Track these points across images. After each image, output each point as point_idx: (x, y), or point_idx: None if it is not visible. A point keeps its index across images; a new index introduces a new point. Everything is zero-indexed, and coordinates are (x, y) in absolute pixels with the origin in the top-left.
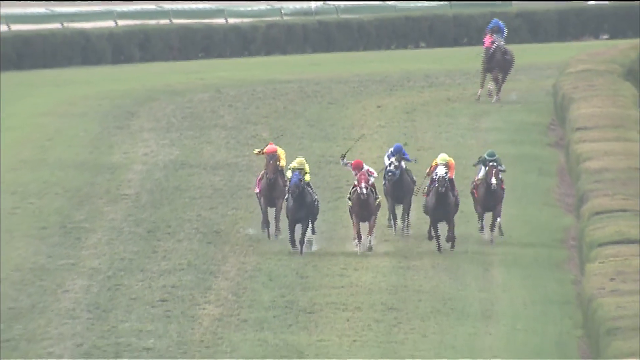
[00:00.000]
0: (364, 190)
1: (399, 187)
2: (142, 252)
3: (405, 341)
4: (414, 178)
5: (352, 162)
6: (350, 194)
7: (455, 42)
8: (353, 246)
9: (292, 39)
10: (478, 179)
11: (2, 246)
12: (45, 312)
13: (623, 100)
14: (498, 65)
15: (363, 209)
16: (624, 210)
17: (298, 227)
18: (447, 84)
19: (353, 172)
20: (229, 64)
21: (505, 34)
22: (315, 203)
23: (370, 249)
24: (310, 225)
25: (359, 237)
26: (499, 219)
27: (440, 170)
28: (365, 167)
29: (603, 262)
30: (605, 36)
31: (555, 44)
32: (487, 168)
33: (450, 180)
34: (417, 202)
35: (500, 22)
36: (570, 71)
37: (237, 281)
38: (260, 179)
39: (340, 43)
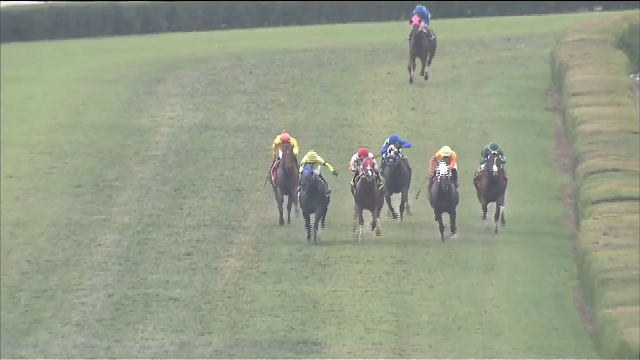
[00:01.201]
0: (369, 172)
1: (397, 175)
2: (169, 208)
3: (414, 291)
4: (410, 166)
5: (360, 149)
6: (353, 181)
7: (460, 14)
8: (354, 235)
9: (308, 10)
10: (481, 170)
11: (39, 203)
12: (79, 264)
13: (615, 67)
14: (426, 49)
15: (367, 195)
16: (616, 170)
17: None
18: (452, 52)
19: (358, 159)
20: (250, 34)
21: (429, 18)
22: (327, 194)
23: (378, 232)
24: (322, 216)
25: (361, 221)
26: (502, 208)
27: (443, 169)
28: (370, 154)
29: (597, 218)
30: (599, 8)
31: (553, 16)
32: (488, 157)
33: (453, 170)
34: (420, 194)
35: (424, 8)
36: (567, 40)
37: (257, 236)
38: (274, 168)
39: (353, 14)
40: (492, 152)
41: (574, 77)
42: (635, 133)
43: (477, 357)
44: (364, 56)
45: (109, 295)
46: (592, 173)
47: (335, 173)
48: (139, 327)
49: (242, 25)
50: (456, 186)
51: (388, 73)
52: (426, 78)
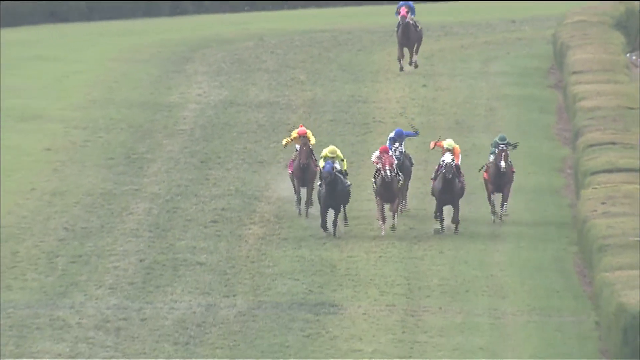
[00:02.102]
0: (389, 174)
1: (399, 170)
2: (196, 179)
3: (425, 257)
4: (413, 161)
5: (381, 147)
6: (374, 177)
7: None
8: (378, 227)
9: None
10: (490, 162)
11: (74, 175)
12: (113, 231)
13: (613, 47)
14: (413, 40)
15: (387, 191)
16: (614, 143)
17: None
18: (460, 33)
19: (379, 156)
20: (271, 16)
21: (414, 10)
22: (347, 189)
23: (393, 228)
24: (343, 211)
25: (383, 219)
26: (505, 205)
27: (447, 158)
28: (391, 152)
29: (595, 188)
30: None
31: None
32: (497, 151)
33: (457, 166)
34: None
35: (410, 2)
36: (568, 22)
37: (278, 205)
38: (292, 161)
39: None
40: (501, 146)
41: (575, 56)
42: (632, 108)
43: (484, 318)
44: (378, 37)
45: (140, 260)
46: (591, 146)
47: (345, 172)
48: (168, 290)
49: (264, 8)
50: (460, 181)
51: None
52: (416, 66)
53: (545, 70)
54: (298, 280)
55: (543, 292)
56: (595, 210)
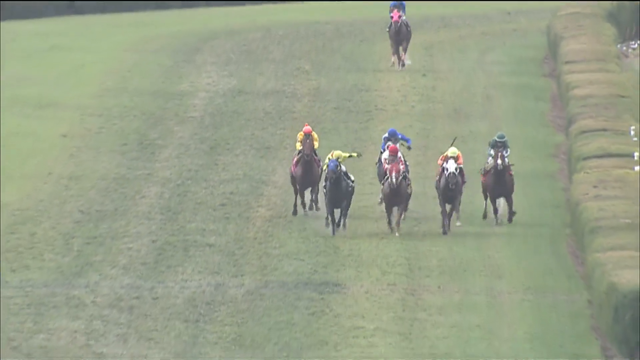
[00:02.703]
0: (394, 180)
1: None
2: (205, 164)
3: (424, 239)
4: (407, 164)
5: (390, 147)
6: (382, 184)
7: None
8: (388, 230)
9: None
10: (488, 165)
11: (90, 160)
12: (126, 214)
13: (605, 38)
14: (404, 38)
15: (394, 196)
16: (605, 130)
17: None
18: (459, 24)
19: (389, 156)
20: (278, 8)
21: (405, 7)
22: (350, 189)
23: (398, 230)
24: (346, 210)
25: (391, 222)
26: (513, 209)
27: (451, 166)
28: (399, 154)
29: (588, 172)
30: None
31: None
32: (493, 151)
33: (460, 168)
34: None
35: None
36: (561, 14)
37: (284, 189)
38: (296, 162)
39: None
40: (498, 143)
41: (568, 46)
42: (623, 97)
43: (481, 297)
44: (379, 28)
45: (153, 241)
46: (584, 132)
47: (359, 154)
48: (179, 270)
49: (270, 1)
50: (463, 182)
51: None
52: (403, 65)
53: (540, 60)
54: (303, 260)
55: (538, 272)
56: (588, 194)
